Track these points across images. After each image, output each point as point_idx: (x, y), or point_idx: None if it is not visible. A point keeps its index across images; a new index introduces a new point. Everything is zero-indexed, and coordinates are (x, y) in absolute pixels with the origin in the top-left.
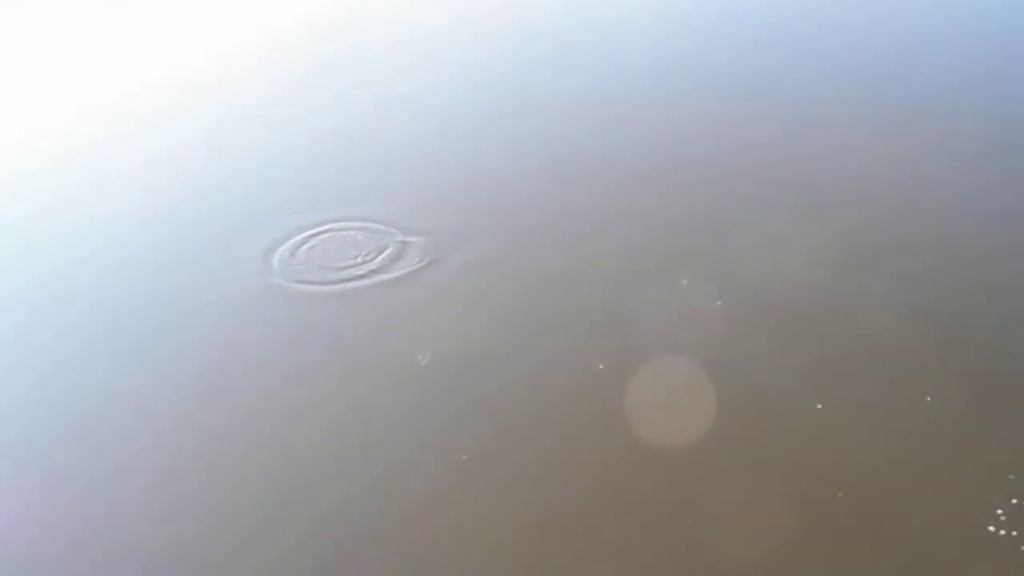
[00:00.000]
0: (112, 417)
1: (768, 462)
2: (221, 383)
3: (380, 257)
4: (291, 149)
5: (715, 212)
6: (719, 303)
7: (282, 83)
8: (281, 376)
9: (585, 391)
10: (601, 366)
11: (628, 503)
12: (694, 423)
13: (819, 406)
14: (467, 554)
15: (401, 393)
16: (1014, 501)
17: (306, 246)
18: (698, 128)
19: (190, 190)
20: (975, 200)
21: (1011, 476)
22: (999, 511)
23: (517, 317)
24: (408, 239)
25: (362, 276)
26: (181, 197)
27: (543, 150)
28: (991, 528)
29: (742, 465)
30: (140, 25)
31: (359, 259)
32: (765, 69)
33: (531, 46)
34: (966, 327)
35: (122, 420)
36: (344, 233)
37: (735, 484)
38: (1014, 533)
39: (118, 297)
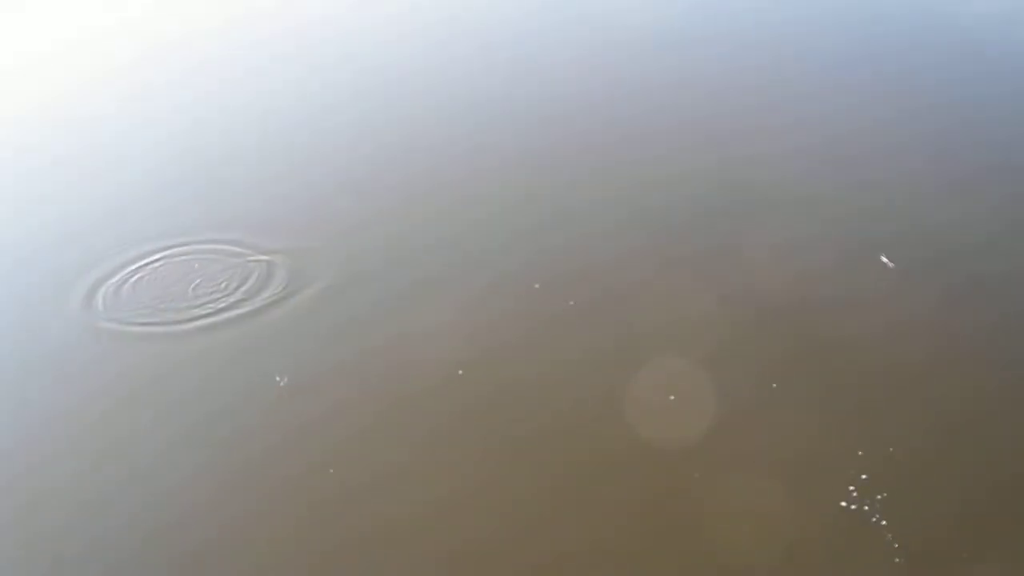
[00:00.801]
0: None
1: (624, 452)
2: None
3: (227, 286)
4: (104, 169)
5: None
6: (571, 303)
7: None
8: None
9: (441, 394)
10: (460, 371)
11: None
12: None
13: (672, 398)
14: None
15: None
16: (864, 477)
17: (135, 279)
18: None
19: None
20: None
21: (860, 452)
22: (851, 487)
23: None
24: (256, 260)
25: (206, 312)
26: None
27: (386, 160)
28: (843, 504)
29: (600, 458)
30: None
31: (203, 290)
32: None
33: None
34: (804, 313)
35: None
36: (184, 260)
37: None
38: (865, 507)
39: None
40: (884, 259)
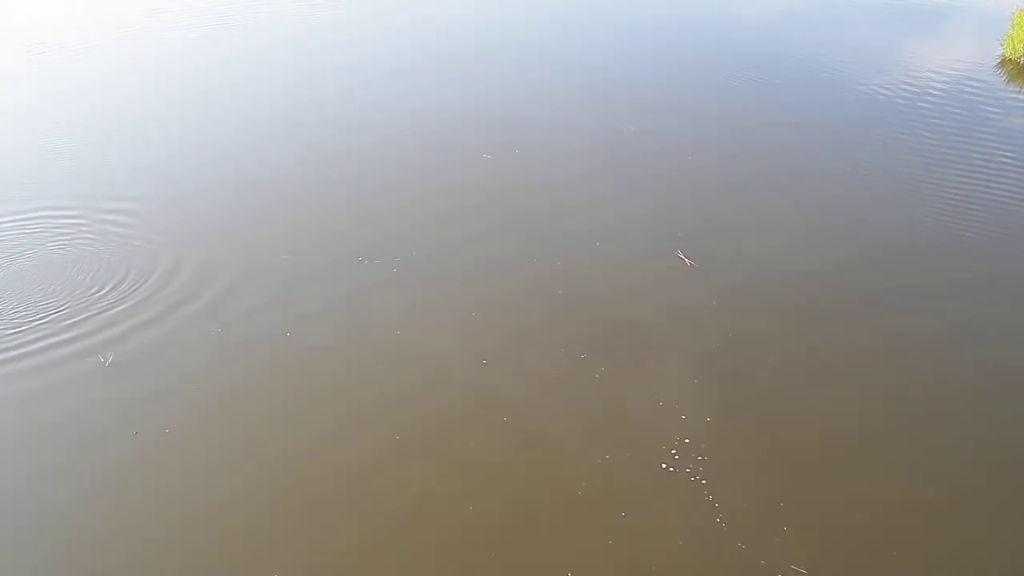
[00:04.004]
0: None
1: (456, 429)
2: None
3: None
4: None
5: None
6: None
7: None
8: None
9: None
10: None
11: None
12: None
13: (484, 361)
14: None
15: None
16: (687, 440)
17: None
18: None
19: None
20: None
21: (683, 416)
22: (673, 451)
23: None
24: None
25: None
26: None
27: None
28: (664, 465)
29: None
30: None
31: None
32: None
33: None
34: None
35: None
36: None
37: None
38: (687, 469)
39: None
40: (681, 255)
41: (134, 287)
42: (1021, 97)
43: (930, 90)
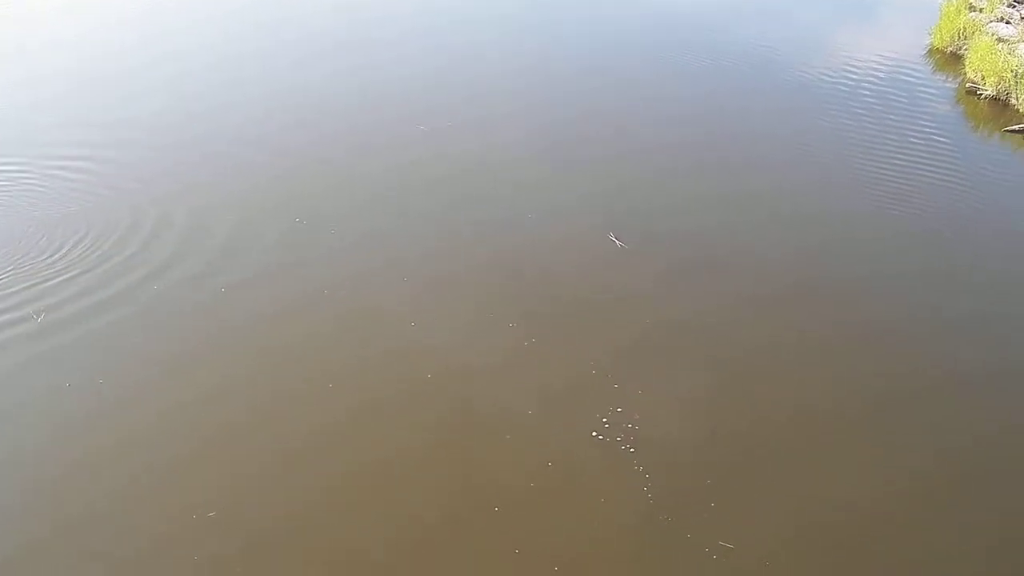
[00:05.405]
0: None
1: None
2: None
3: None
4: None
5: None
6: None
7: None
8: None
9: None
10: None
11: None
12: None
13: (412, 324)
14: None
15: None
16: (619, 409)
17: None
18: None
19: None
20: None
21: (616, 385)
22: (604, 419)
23: None
24: None
25: None
26: None
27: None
28: (594, 433)
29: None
30: None
31: None
32: None
33: None
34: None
35: None
36: None
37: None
38: (618, 438)
39: None
40: (612, 237)
41: (77, 244)
42: (947, 84)
43: (869, 77)
